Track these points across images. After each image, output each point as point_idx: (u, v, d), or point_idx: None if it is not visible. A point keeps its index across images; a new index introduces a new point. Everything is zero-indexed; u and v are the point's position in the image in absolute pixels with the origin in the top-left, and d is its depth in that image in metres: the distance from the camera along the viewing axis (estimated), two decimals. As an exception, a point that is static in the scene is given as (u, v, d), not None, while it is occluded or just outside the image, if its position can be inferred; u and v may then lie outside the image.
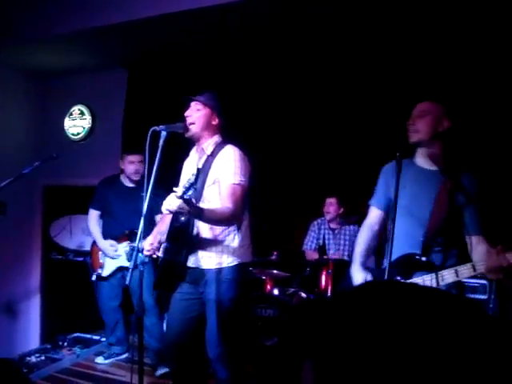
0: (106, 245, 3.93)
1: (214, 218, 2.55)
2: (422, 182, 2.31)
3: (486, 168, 3.52)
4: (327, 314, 0.70)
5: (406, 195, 2.28)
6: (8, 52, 4.88)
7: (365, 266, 2.47)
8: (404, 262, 2.25)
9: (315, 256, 4.39)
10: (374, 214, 2.52)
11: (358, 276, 2.40)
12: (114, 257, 3.91)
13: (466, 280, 3.63)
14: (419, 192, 2.30)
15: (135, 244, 2.24)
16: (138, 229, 2.82)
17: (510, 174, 3.82)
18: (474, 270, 2.09)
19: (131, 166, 3.90)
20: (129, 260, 3.71)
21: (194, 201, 2.27)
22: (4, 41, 4.63)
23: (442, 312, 0.62)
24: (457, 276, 2.13)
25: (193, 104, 2.76)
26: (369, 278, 2.38)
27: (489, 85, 3.90)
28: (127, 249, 3.85)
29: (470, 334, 0.60)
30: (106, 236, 3.98)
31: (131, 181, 3.97)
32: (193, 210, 2.35)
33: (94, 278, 4.04)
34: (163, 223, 2.84)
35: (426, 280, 2.17)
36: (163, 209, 2.36)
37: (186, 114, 2.74)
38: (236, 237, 2.73)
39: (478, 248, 2.24)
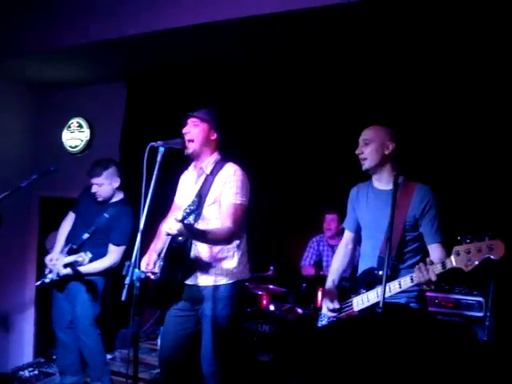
0: (49, 256, 3.66)
1: (213, 239, 2.56)
2: (379, 202, 2.51)
3: (439, 177, 3.66)
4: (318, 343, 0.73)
5: (368, 216, 2.57)
6: (7, 64, 4.90)
7: (338, 283, 2.73)
8: (366, 276, 2.52)
9: (312, 271, 4.40)
10: (347, 235, 2.81)
11: (326, 292, 2.70)
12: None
13: (461, 297, 3.68)
14: (377, 212, 2.49)
15: (132, 260, 2.23)
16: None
17: (465, 179, 4.02)
18: (412, 281, 2.27)
19: (92, 187, 3.65)
20: (57, 275, 3.53)
21: (193, 224, 2.29)
22: (3, 53, 4.66)
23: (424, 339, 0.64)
24: (400, 287, 2.32)
25: (190, 121, 2.76)
26: (334, 297, 2.62)
27: (436, 96, 4.12)
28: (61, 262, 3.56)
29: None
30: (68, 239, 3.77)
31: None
32: (192, 233, 2.39)
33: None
34: (159, 240, 2.83)
35: (379, 291, 2.31)
36: (163, 231, 2.39)
37: (184, 130, 2.74)
38: (236, 254, 2.73)
39: (434, 256, 2.39)
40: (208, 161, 2.78)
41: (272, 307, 4.20)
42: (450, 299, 3.69)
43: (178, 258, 2.64)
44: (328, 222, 4.60)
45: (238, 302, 2.77)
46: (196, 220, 2.58)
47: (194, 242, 2.64)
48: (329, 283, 2.71)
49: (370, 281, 2.47)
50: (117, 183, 3.71)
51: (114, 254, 3.58)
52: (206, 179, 2.74)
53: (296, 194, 4.76)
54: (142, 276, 2.21)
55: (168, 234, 2.42)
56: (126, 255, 3.49)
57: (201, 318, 2.71)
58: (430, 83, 4.14)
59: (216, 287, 2.67)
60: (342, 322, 2.33)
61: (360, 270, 2.62)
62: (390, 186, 2.45)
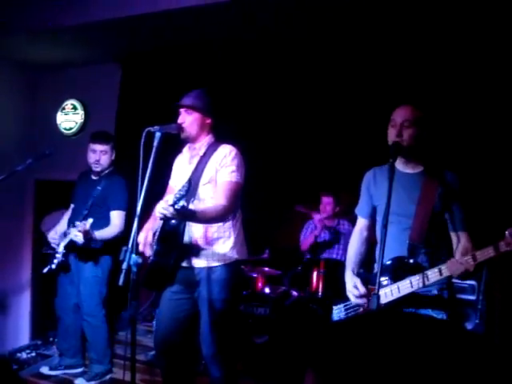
0: (52, 233, 3.73)
1: (206, 218, 2.56)
2: (405, 186, 2.34)
3: (467, 166, 3.60)
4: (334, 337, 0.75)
5: (391, 200, 2.33)
6: (0, 45, 4.84)
7: (357, 271, 2.54)
8: (394, 265, 2.30)
9: (312, 240, 4.39)
10: (361, 222, 2.63)
11: (348, 281, 2.48)
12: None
13: (455, 281, 3.71)
14: (403, 196, 2.33)
15: (128, 245, 2.24)
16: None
17: (491, 171, 3.88)
18: (441, 274, 2.19)
19: (93, 155, 3.68)
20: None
21: (185, 206, 2.29)
22: (-3, 34, 4.60)
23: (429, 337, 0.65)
24: (427, 279, 2.20)
25: (182, 109, 2.76)
26: (358, 283, 2.42)
27: (467, 86, 3.98)
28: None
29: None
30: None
31: (93, 173, 3.77)
32: (185, 216, 2.41)
33: None
34: (154, 220, 2.81)
35: (413, 281, 2.23)
36: (156, 213, 2.40)
37: (178, 121, 2.74)
38: (232, 234, 2.74)
39: (460, 245, 2.32)
40: (202, 143, 2.79)
41: (267, 290, 4.24)
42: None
43: (172, 241, 2.64)
44: (324, 204, 4.61)
45: (235, 284, 2.79)
46: (188, 203, 2.57)
47: (187, 224, 2.65)
48: (348, 273, 2.53)
49: (399, 270, 2.31)
50: (113, 156, 3.79)
51: (116, 219, 3.61)
52: (200, 160, 2.75)
53: (292, 177, 4.76)
54: (140, 261, 2.22)
55: (161, 219, 2.42)
56: (124, 240, 3.49)
57: (197, 300, 2.73)
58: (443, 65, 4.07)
59: (211, 269, 2.68)
60: (362, 316, 2.24)
61: (380, 257, 2.45)
62: (417, 170, 2.40)
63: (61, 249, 3.56)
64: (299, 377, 3.59)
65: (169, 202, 2.30)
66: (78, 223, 3.39)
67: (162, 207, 2.33)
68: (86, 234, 3.36)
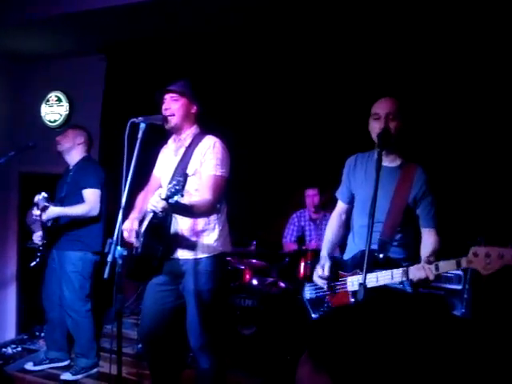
0: None
1: (195, 212, 2.55)
2: (381, 179, 2.24)
3: (440, 162, 3.67)
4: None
5: (364, 191, 2.41)
6: (-18, 37, 4.77)
7: (331, 255, 2.61)
8: (363, 258, 2.22)
9: (294, 247, 4.44)
10: (340, 206, 2.68)
11: (322, 261, 2.56)
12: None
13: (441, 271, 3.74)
14: (378, 189, 2.24)
15: (113, 237, 2.21)
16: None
17: (467, 167, 3.95)
18: (405, 275, 2.21)
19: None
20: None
21: (179, 202, 2.27)
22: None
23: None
24: (392, 279, 2.24)
25: (168, 96, 2.73)
26: (326, 265, 2.50)
27: (440, 80, 4.04)
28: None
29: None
30: None
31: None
32: (176, 210, 2.42)
33: None
34: (140, 210, 2.79)
35: (379, 276, 2.26)
36: (148, 207, 2.40)
37: (164, 107, 2.72)
38: (216, 227, 2.74)
39: (427, 241, 2.38)
40: (187, 133, 2.77)
41: (255, 281, 4.24)
42: (430, 272, 3.75)
43: (159, 234, 2.63)
44: (310, 196, 4.64)
45: (220, 276, 2.77)
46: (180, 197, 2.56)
47: (174, 216, 2.64)
48: (323, 252, 2.62)
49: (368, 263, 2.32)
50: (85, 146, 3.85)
51: (88, 197, 3.60)
52: (185, 152, 2.74)
53: (278, 170, 4.76)
54: (124, 253, 2.20)
55: (153, 211, 2.41)
56: (108, 232, 3.48)
57: (183, 292, 2.72)
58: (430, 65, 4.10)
59: (197, 261, 2.68)
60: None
61: (351, 246, 2.54)
62: (395, 164, 2.42)
63: (37, 240, 3.60)
64: (287, 367, 3.61)
65: (162, 195, 2.28)
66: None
67: (156, 201, 2.32)
68: (43, 209, 3.44)
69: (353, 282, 2.40)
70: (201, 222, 2.70)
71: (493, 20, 3.75)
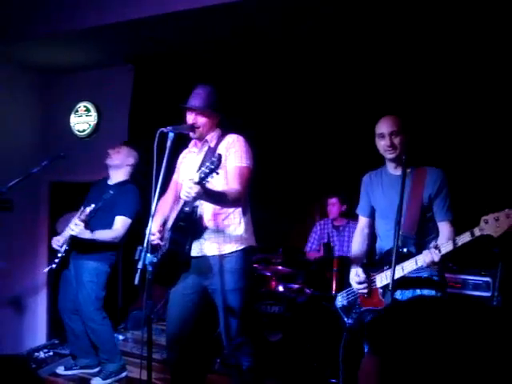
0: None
1: (225, 200, 2.57)
2: (395, 186, 2.53)
3: (448, 161, 3.67)
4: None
5: (384, 200, 2.66)
6: (14, 49, 4.90)
7: (362, 261, 2.85)
8: (390, 254, 2.48)
9: (316, 255, 4.49)
10: (362, 221, 2.92)
11: (352, 271, 2.78)
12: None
13: (469, 277, 3.71)
14: (394, 196, 2.52)
15: (144, 245, 2.26)
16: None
17: (473, 163, 4.11)
18: (416, 264, 2.43)
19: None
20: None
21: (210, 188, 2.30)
22: (10, 38, 4.65)
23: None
24: (416, 264, 2.45)
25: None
26: (360, 271, 2.71)
27: (449, 84, 4.17)
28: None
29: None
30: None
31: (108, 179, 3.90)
32: (209, 195, 2.40)
33: None
34: (160, 213, 2.81)
35: (405, 266, 2.48)
36: (182, 196, 2.35)
37: (190, 122, 2.76)
38: (242, 221, 2.77)
39: (442, 233, 2.55)
40: (212, 135, 2.84)
41: (281, 288, 4.24)
42: (457, 279, 3.72)
43: (186, 229, 2.66)
44: (329, 205, 4.78)
45: (248, 274, 2.80)
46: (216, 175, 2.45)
47: (200, 211, 2.68)
48: (353, 265, 2.80)
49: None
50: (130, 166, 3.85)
51: (117, 224, 3.63)
52: (209, 148, 2.80)
53: (301, 175, 4.86)
54: (155, 260, 2.24)
55: (186, 198, 2.33)
56: (138, 239, 3.51)
57: (212, 294, 2.74)
58: (433, 68, 4.15)
59: (223, 257, 2.69)
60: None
61: (380, 249, 2.75)
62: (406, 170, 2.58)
63: (63, 247, 3.62)
64: (313, 374, 3.61)
65: (194, 179, 2.26)
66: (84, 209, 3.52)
67: (189, 186, 2.27)
68: (86, 224, 3.47)
69: (381, 278, 2.62)
70: (225, 217, 2.72)
71: (495, 28, 3.79)
